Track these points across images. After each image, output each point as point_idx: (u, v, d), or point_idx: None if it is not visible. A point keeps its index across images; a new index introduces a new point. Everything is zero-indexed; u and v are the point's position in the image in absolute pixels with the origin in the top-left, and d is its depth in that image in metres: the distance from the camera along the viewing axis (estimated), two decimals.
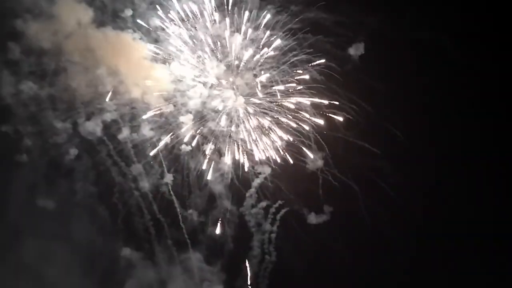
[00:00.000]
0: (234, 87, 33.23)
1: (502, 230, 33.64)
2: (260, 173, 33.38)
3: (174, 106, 33.00)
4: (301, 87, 33.24)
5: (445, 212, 33.92)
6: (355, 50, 32.92)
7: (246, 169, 33.33)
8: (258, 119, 33.47)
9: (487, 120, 34.36)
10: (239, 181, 33.54)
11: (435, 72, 33.99)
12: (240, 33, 32.77)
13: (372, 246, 33.73)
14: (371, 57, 33.03)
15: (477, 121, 34.28)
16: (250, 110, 33.54)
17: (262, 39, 32.93)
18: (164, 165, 33.22)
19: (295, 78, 33.30)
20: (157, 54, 32.90)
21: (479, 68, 33.16)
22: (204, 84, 33.18)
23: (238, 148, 33.37)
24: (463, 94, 34.01)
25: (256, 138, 33.27)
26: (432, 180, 34.12)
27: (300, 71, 33.22)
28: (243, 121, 33.40)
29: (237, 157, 33.39)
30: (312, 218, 33.70)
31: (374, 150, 33.33)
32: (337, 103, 33.19)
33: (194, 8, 32.75)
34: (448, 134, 34.46)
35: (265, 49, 32.93)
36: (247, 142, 33.37)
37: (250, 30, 32.87)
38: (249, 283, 34.00)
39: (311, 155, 33.31)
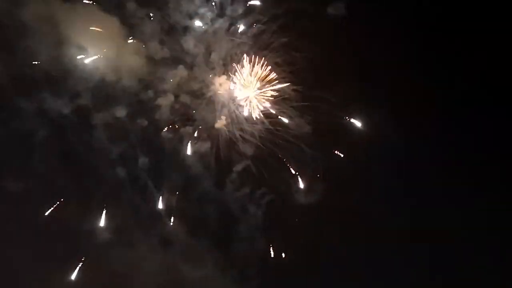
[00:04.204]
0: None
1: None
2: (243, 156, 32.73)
3: (151, 88, 31.98)
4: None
5: (441, 193, 33.75)
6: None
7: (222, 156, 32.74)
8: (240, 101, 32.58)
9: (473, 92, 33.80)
10: (220, 165, 32.92)
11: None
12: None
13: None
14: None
15: (465, 96, 33.76)
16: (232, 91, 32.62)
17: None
18: (140, 149, 32.40)
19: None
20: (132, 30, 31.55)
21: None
22: (184, 65, 32.06)
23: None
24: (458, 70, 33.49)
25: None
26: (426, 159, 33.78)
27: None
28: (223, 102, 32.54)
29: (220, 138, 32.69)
30: (301, 199, 33.26)
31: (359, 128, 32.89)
32: None
33: None
34: (436, 113, 33.68)
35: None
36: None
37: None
38: None
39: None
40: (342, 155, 32.96)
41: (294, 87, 32.36)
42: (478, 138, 33.76)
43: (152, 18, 31.50)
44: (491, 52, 32.84)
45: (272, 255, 33.38)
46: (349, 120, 32.80)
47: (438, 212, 33.83)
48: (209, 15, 31.65)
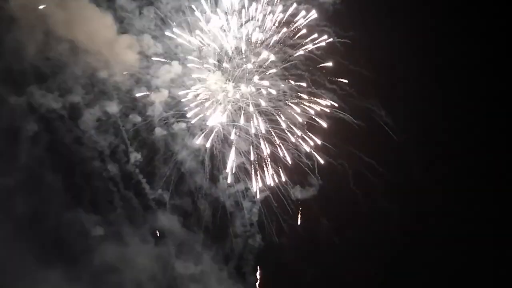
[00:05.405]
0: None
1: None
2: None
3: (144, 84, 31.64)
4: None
5: (439, 186, 33.52)
6: None
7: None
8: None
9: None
10: (214, 161, 32.62)
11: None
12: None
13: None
14: None
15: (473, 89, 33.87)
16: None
17: None
18: (132, 145, 32.21)
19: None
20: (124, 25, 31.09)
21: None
22: (179, 61, 31.60)
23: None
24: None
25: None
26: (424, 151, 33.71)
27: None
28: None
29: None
30: (297, 193, 32.97)
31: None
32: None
33: None
34: (440, 106, 33.85)
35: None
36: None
37: None
38: None
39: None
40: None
41: (291, 83, 32.28)
42: None
43: (143, 13, 31.17)
44: None
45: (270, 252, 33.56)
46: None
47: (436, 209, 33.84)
48: (203, 10, 31.17)
